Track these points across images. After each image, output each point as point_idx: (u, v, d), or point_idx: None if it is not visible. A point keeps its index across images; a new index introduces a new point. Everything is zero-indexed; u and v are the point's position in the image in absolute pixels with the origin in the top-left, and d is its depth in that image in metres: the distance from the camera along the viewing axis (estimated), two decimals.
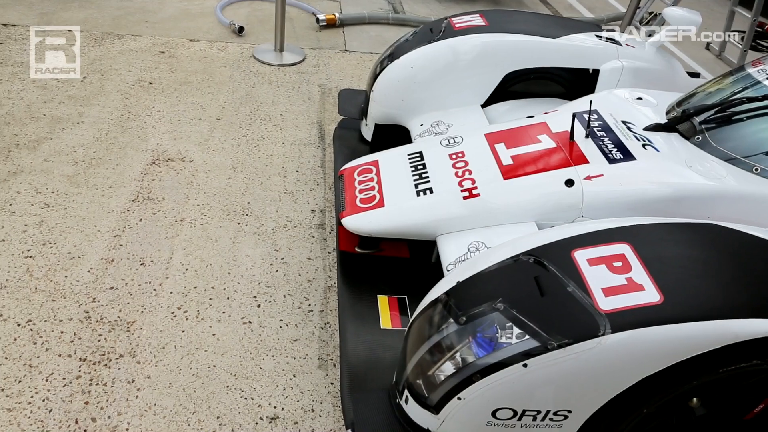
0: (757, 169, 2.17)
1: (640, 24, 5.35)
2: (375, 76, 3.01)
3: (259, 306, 2.35)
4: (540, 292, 1.51)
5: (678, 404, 1.70)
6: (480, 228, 2.14)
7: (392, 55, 2.99)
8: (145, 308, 2.27)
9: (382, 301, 2.18)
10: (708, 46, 5.98)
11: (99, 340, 2.12)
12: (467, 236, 2.12)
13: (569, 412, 1.50)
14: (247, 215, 2.80)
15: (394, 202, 2.24)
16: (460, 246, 2.10)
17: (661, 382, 1.46)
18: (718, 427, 1.85)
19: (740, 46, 5.41)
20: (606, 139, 2.31)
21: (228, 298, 2.36)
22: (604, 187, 2.12)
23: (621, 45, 3.11)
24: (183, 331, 2.20)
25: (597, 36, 3.12)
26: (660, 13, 5.30)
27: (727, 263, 1.61)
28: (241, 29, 4.60)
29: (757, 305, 1.46)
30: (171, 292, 2.35)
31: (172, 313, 2.27)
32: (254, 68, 4.18)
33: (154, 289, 2.35)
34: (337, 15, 4.98)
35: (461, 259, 2.05)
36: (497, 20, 3.04)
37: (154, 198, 2.82)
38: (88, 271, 2.39)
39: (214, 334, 2.21)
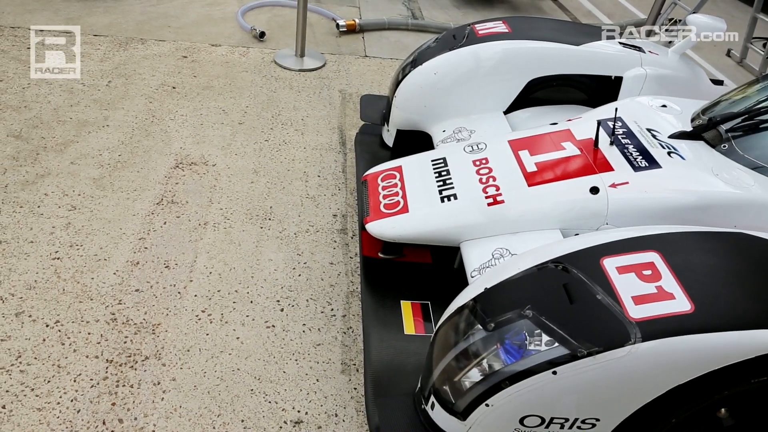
0: None
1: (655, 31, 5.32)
2: (398, 82, 3.02)
3: (282, 310, 2.37)
4: (569, 300, 1.51)
5: (707, 414, 1.68)
6: (504, 235, 2.14)
7: (415, 62, 3.00)
8: (170, 311, 2.29)
9: (406, 306, 2.19)
10: (729, 53, 5.93)
11: (125, 342, 2.15)
12: (491, 243, 2.12)
13: (597, 420, 1.50)
14: (269, 219, 2.82)
15: (418, 208, 2.25)
16: (485, 252, 2.10)
17: (692, 392, 1.45)
18: None
19: (762, 53, 5.36)
20: (631, 146, 2.30)
21: (251, 302, 2.38)
22: (630, 195, 2.11)
23: (644, 52, 3.09)
24: (207, 334, 2.22)
25: (620, 43, 3.11)
26: (681, 20, 5.28)
27: (757, 273, 1.59)
28: (262, 34, 4.65)
29: None
30: (195, 295, 2.37)
31: (197, 316, 2.29)
32: (275, 73, 4.22)
33: (179, 292, 2.38)
34: (356, 21, 5.01)
35: (485, 266, 2.05)
36: (520, 27, 3.04)
37: (178, 201, 2.85)
38: (114, 273, 2.42)
39: (238, 338, 2.23)
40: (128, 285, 2.38)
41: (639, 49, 3.11)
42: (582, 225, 2.12)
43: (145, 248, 2.57)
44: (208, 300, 2.37)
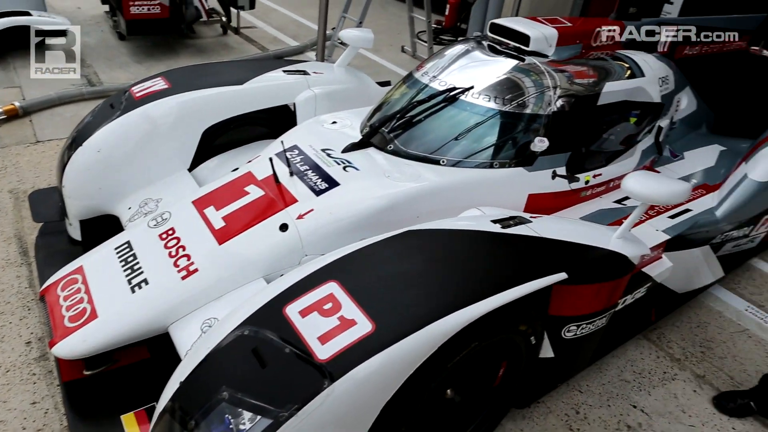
0: (443, 161, 2.41)
1: (340, 44, 5.72)
2: (63, 168, 2.67)
3: None
4: (261, 364, 1.44)
5: (435, 401, 1.78)
6: (208, 303, 2.01)
7: (74, 142, 2.69)
8: None
9: (128, 420, 1.92)
10: (403, 49, 6.65)
11: None
12: (197, 317, 1.98)
13: None
14: None
15: (108, 309, 1.99)
16: (193, 330, 1.94)
17: (403, 400, 1.50)
18: (479, 400, 2.00)
19: (426, 44, 6.12)
20: (310, 172, 2.35)
21: None
22: (317, 221, 2.14)
23: (309, 74, 3.22)
24: None
25: (284, 71, 3.19)
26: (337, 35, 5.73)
27: (422, 268, 1.71)
28: None
29: (454, 298, 1.57)
30: None
31: None
32: None
33: None
34: (17, 104, 4.36)
35: None
36: (179, 80, 2.92)
37: None
38: None
39: None
40: None
41: (304, 72, 3.24)
42: (283, 265, 2.09)
43: None
44: None
